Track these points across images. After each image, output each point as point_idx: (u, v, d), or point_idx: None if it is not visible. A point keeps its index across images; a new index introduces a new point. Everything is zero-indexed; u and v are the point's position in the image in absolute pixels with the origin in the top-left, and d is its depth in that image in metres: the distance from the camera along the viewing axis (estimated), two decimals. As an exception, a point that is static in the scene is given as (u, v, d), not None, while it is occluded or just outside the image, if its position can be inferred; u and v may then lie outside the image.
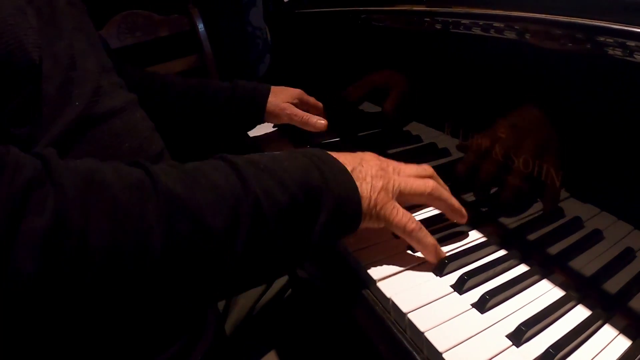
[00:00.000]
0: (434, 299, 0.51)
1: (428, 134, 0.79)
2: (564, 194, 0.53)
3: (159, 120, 0.69)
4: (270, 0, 1.19)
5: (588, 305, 0.50)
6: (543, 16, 0.50)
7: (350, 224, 0.52)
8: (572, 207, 0.52)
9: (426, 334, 0.46)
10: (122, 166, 0.42)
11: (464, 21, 0.61)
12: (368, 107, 0.94)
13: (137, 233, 0.37)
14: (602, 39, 0.44)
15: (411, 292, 0.52)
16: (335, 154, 0.55)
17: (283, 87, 0.94)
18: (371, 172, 0.54)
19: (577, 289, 0.51)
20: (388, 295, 0.51)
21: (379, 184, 0.53)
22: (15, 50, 0.43)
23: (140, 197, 0.39)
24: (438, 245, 0.56)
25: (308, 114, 0.91)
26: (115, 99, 0.57)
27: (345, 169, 0.52)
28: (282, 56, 1.25)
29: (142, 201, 0.39)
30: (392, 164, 0.58)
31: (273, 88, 0.92)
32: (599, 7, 0.46)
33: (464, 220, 0.60)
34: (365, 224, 0.53)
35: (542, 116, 0.55)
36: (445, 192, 0.59)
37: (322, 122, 0.90)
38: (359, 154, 0.58)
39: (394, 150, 0.83)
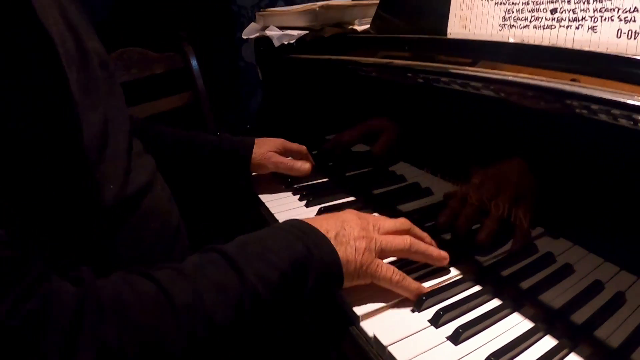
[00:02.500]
0: (413, 332, 0.57)
1: (412, 173, 0.86)
2: (537, 231, 0.59)
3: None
4: (261, 42, 1.27)
5: (555, 336, 0.56)
6: (514, 79, 0.58)
7: (334, 285, 0.59)
8: (545, 243, 0.59)
9: (404, 364, 0.52)
10: (137, 282, 0.49)
11: (443, 78, 0.68)
12: (355, 146, 1.02)
13: (163, 345, 0.45)
14: (568, 101, 0.51)
15: (392, 326, 0.58)
16: (317, 221, 0.62)
17: (265, 138, 1.01)
18: (354, 234, 0.61)
19: (546, 320, 0.57)
20: (370, 330, 0.57)
21: (362, 245, 0.60)
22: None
23: (160, 317, 0.46)
24: (421, 287, 0.62)
25: (292, 160, 0.99)
26: (142, 173, 0.65)
27: (325, 237, 0.59)
28: (273, 96, 1.32)
29: (163, 320, 0.46)
30: (372, 221, 0.65)
31: (257, 140, 0.99)
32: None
33: (445, 263, 0.67)
34: (353, 283, 0.60)
35: (514, 165, 0.62)
36: (422, 245, 0.66)
37: (306, 166, 0.98)
38: (340, 216, 0.64)
39: (380, 191, 0.89)
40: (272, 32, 1.08)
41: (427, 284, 0.65)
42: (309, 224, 0.61)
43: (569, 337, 0.55)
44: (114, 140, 0.61)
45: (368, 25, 1.09)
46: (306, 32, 1.07)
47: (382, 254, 0.62)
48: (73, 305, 0.42)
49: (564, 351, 0.54)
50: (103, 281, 0.47)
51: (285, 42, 1.06)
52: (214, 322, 0.48)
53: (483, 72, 0.62)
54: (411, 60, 0.78)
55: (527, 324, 0.58)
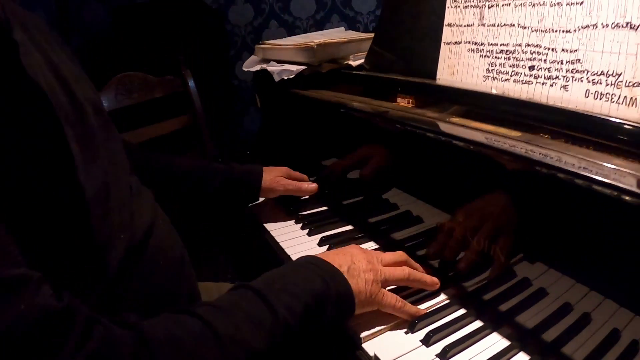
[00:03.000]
0: (407, 351, 0.65)
1: (404, 200, 0.94)
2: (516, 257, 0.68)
3: (163, 198, 0.82)
4: (260, 73, 1.33)
5: (528, 352, 0.65)
6: (491, 143, 0.67)
7: (348, 313, 0.68)
8: (523, 269, 0.68)
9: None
10: (182, 319, 0.56)
11: (429, 134, 0.77)
12: (350, 174, 1.10)
13: None
14: (537, 167, 0.60)
15: (389, 346, 0.66)
16: (329, 256, 0.71)
17: (271, 167, 1.09)
18: (362, 268, 0.70)
19: (521, 339, 0.66)
20: (371, 350, 0.66)
21: (370, 277, 0.69)
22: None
23: (208, 348, 0.54)
24: (419, 310, 0.72)
25: (300, 182, 1.07)
26: (144, 214, 0.70)
27: (339, 271, 0.68)
28: (271, 123, 1.41)
29: (210, 350, 0.53)
30: (375, 255, 0.74)
31: (264, 168, 1.07)
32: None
33: (437, 287, 0.76)
34: (362, 310, 0.69)
35: (493, 203, 0.72)
36: (418, 274, 0.75)
37: (312, 185, 1.07)
38: (348, 252, 0.73)
39: (375, 219, 0.98)
40: (273, 68, 1.17)
41: (423, 306, 0.74)
42: (324, 260, 0.69)
43: (540, 354, 0.64)
44: (116, 189, 0.65)
45: (362, 60, 1.19)
46: (304, 67, 1.16)
47: (385, 283, 0.71)
48: (131, 344, 0.49)
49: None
50: (151, 321, 0.54)
51: (285, 78, 1.15)
52: (252, 349, 0.56)
53: (465, 132, 0.72)
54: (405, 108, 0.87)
55: (504, 342, 0.67)
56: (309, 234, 0.97)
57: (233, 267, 1.15)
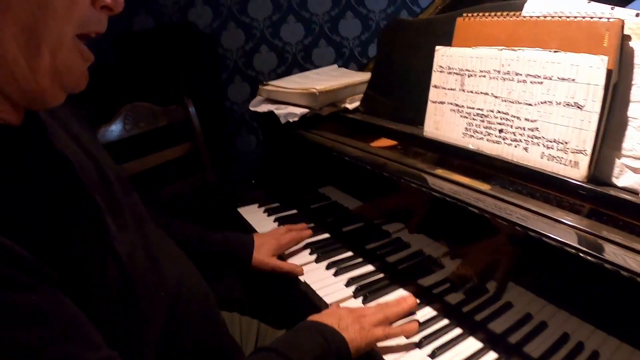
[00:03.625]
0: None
1: (395, 227, 1.12)
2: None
3: None
4: (264, 113, 1.49)
5: (497, 351, 0.84)
6: (469, 200, 0.86)
7: (345, 357, 0.83)
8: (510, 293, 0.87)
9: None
10: None
11: (412, 184, 0.96)
12: (349, 202, 1.29)
13: None
14: (501, 221, 0.79)
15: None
16: (323, 317, 0.87)
17: (265, 238, 1.19)
18: (348, 322, 0.86)
19: (491, 342, 0.85)
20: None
21: (357, 327, 0.85)
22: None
23: None
24: (403, 328, 0.89)
25: (289, 264, 1.16)
26: (171, 265, 0.80)
27: (335, 330, 0.84)
28: (273, 154, 1.59)
29: None
30: (358, 310, 0.91)
31: (256, 240, 1.16)
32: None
33: (415, 308, 0.94)
34: (360, 353, 0.85)
35: (472, 243, 0.91)
36: (394, 312, 0.91)
37: (299, 269, 1.14)
38: (335, 312, 0.90)
39: (371, 246, 1.16)
40: (279, 111, 1.35)
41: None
42: (320, 322, 0.85)
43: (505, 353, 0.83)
44: (147, 249, 0.73)
45: (357, 103, 1.38)
46: (307, 110, 1.34)
47: (371, 328, 0.87)
48: None
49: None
50: None
51: (291, 120, 1.33)
52: None
53: (446, 186, 0.91)
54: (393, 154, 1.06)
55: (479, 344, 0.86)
56: (317, 261, 1.15)
57: (241, 291, 1.30)
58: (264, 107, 1.42)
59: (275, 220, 1.38)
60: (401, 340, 0.88)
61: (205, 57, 2.78)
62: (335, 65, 1.79)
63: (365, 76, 1.46)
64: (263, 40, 2.93)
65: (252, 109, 1.48)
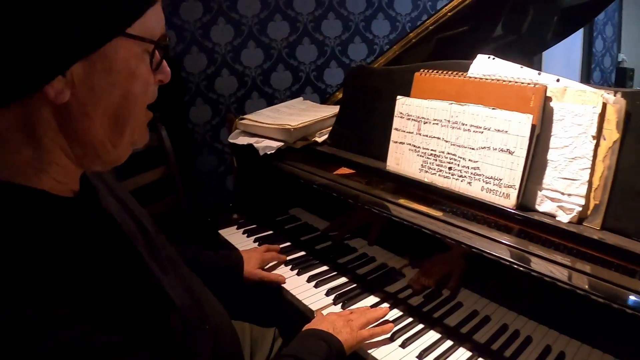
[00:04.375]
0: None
1: (360, 243, 1.36)
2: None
3: None
4: (240, 149, 1.70)
5: (467, 348, 1.08)
6: (423, 224, 1.11)
7: (341, 356, 1.01)
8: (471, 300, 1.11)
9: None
10: None
11: (375, 209, 1.20)
12: (317, 222, 1.52)
13: None
14: (450, 241, 1.04)
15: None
16: (317, 324, 1.07)
17: (250, 254, 1.39)
18: (340, 326, 1.07)
19: (450, 335, 1.09)
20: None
21: (347, 329, 1.07)
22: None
23: None
24: (383, 329, 1.12)
25: (273, 274, 1.38)
26: (201, 294, 0.95)
27: (331, 334, 1.03)
28: (248, 179, 1.80)
29: None
30: (345, 316, 1.12)
31: (244, 255, 1.37)
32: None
33: (385, 315, 1.17)
34: (352, 349, 1.06)
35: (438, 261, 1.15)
36: (374, 317, 1.14)
37: (281, 277, 1.37)
38: (329, 319, 1.09)
39: (343, 260, 1.39)
40: (258, 145, 1.57)
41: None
42: (319, 329, 1.05)
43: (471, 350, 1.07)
44: (186, 286, 0.86)
45: (326, 136, 1.61)
46: (282, 143, 1.57)
47: (358, 329, 1.09)
48: None
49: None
50: None
51: (268, 153, 1.55)
52: None
53: (404, 212, 1.15)
54: (353, 183, 1.30)
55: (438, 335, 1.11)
56: (298, 274, 1.38)
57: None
58: (244, 140, 1.64)
59: (255, 241, 1.60)
60: (378, 337, 1.12)
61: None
62: (301, 98, 2.03)
63: (331, 110, 1.70)
64: (224, 64, 3.13)
65: (231, 141, 1.69)
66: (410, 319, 1.18)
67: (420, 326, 1.15)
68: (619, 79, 5.48)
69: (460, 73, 1.21)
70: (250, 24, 3.12)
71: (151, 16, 0.66)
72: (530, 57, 2.38)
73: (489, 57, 1.22)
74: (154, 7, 0.66)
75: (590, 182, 1.00)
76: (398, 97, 1.30)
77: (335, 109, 1.69)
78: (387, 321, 1.16)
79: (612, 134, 0.99)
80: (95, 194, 0.75)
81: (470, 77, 1.18)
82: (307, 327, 1.09)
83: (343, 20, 3.39)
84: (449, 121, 1.18)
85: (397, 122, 1.30)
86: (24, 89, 0.58)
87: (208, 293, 0.99)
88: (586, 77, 5.30)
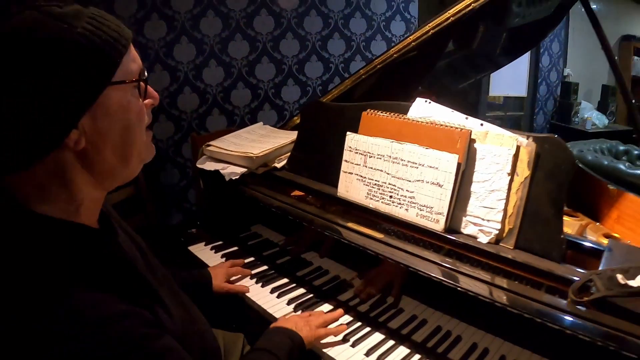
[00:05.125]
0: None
1: (312, 255, 1.58)
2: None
3: None
4: (207, 173, 1.90)
5: (407, 346, 1.31)
6: (367, 246, 1.34)
7: (302, 350, 1.24)
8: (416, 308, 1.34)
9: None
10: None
11: (326, 232, 1.43)
12: (276, 237, 1.73)
13: None
14: (391, 260, 1.27)
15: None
16: (283, 322, 1.28)
17: (217, 270, 1.60)
18: (301, 325, 1.28)
19: (393, 335, 1.32)
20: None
21: (307, 328, 1.28)
22: None
23: None
24: (338, 329, 1.34)
25: (237, 286, 1.59)
26: (199, 322, 1.14)
27: (294, 331, 1.23)
28: (214, 199, 2.00)
29: None
30: (305, 317, 1.33)
31: (211, 272, 1.58)
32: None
33: (341, 316, 1.40)
34: (310, 346, 1.27)
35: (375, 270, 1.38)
36: (329, 318, 1.36)
37: (245, 288, 1.58)
38: (292, 320, 1.30)
39: (300, 273, 1.61)
40: (224, 171, 1.77)
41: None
42: (284, 327, 1.24)
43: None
44: (185, 307, 1.08)
45: (284, 162, 1.82)
46: (245, 169, 1.77)
47: (315, 327, 1.30)
48: None
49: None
50: None
51: (233, 178, 1.76)
52: None
53: (352, 235, 1.38)
54: (309, 207, 1.53)
55: (382, 336, 1.33)
56: (262, 286, 1.58)
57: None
58: (211, 166, 1.84)
59: (222, 257, 1.79)
60: (332, 338, 1.33)
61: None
62: (261, 123, 2.23)
63: (288, 137, 1.92)
64: (186, 82, 3.32)
65: (199, 166, 1.88)
66: (359, 323, 1.39)
67: (368, 329, 1.37)
68: (564, 92, 5.87)
69: (400, 115, 1.44)
70: (212, 42, 3.31)
71: (127, 61, 0.84)
72: (481, 73, 2.65)
73: (425, 101, 1.46)
74: (127, 53, 0.84)
75: (505, 210, 1.24)
76: (348, 132, 1.52)
77: (293, 135, 1.92)
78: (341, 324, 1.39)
79: (524, 171, 1.24)
80: (112, 227, 0.96)
81: (408, 119, 1.42)
82: (273, 325, 1.30)
83: (300, 39, 3.61)
84: (390, 157, 1.41)
85: (346, 155, 1.52)
86: (51, 145, 0.78)
87: (192, 304, 1.16)
88: (532, 91, 5.67)
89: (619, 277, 1.05)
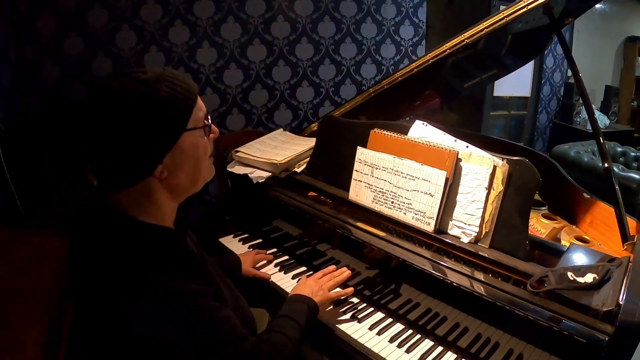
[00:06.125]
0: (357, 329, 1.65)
1: (328, 250, 1.93)
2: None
3: None
4: (235, 175, 2.26)
5: (402, 324, 1.66)
6: (373, 243, 1.70)
7: (317, 313, 1.58)
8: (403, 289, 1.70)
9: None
10: (274, 340, 1.35)
11: (338, 230, 1.78)
12: (295, 231, 2.09)
13: (290, 346, 1.37)
14: (390, 254, 1.63)
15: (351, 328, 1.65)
16: (299, 288, 1.62)
17: (245, 256, 1.94)
18: (315, 289, 1.63)
19: (391, 315, 1.67)
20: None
21: (321, 292, 1.64)
22: None
23: (284, 345, 1.34)
24: (346, 291, 1.70)
25: (262, 272, 1.91)
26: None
27: (310, 297, 1.58)
28: (240, 196, 2.35)
29: (286, 347, 1.35)
30: (319, 281, 1.68)
31: (242, 258, 1.90)
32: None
33: (349, 274, 1.75)
34: (324, 306, 1.63)
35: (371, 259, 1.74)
36: (338, 279, 1.71)
37: (268, 275, 1.91)
38: (308, 284, 1.64)
39: (317, 262, 1.96)
40: (252, 175, 2.12)
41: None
42: (301, 295, 1.59)
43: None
44: (232, 295, 1.41)
45: (304, 167, 2.17)
46: (270, 174, 2.13)
47: (327, 290, 1.65)
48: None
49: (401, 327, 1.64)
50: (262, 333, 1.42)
51: (260, 181, 2.11)
52: (297, 339, 1.39)
53: (359, 233, 1.73)
54: (324, 207, 1.88)
55: (382, 315, 1.68)
56: (285, 273, 1.95)
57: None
58: (240, 170, 2.19)
59: (249, 248, 2.14)
60: (343, 316, 1.67)
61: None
62: (281, 130, 2.58)
63: (307, 143, 2.27)
64: (208, 84, 3.64)
65: (229, 169, 2.23)
66: (364, 304, 1.75)
67: (372, 309, 1.72)
68: (567, 93, 6.17)
69: (402, 135, 1.79)
70: (232, 47, 3.65)
71: (196, 111, 1.15)
72: (487, 72, 2.80)
73: (423, 124, 1.80)
74: (195, 105, 1.15)
75: (483, 217, 1.59)
76: (358, 147, 1.87)
77: (310, 142, 2.26)
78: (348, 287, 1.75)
79: (498, 186, 1.58)
80: (182, 228, 1.30)
81: (408, 139, 1.76)
82: (292, 291, 1.63)
83: (314, 44, 3.94)
84: (392, 169, 1.76)
85: (357, 166, 1.87)
86: (145, 174, 1.13)
87: (232, 284, 1.46)
88: (536, 91, 5.97)
89: (570, 274, 1.37)
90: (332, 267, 1.77)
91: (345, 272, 1.74)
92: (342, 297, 1.70)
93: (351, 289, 1.75)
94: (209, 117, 1.22)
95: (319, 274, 1.73)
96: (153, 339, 1.08)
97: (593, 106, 6.19)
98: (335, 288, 1.69)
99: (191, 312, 1.10)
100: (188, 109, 1.13)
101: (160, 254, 1.13)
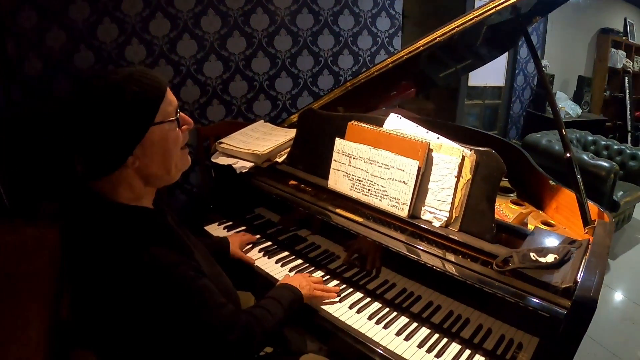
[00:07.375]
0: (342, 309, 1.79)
1: (309, 235, 2.07)
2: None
3: None
4: (219, 165, 2.39)
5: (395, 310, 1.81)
6: (352, 228, 1.84)
7: (300, 304, 1.68)
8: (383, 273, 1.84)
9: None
10: (255, 312, 1.46)
11: (318, 216, 1.92)
12: (276, 218, 2.22)
13: (270, 325, 1.46)
14: (368, 238, 1.77)
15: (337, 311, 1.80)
16: (288, 280, 1.76)
17: (233, 238, 2.06)
18: (304, 284, 1.74)
19: (376, 298, 1.82)
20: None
21: (308, 287, 1.75)
22: None
23: (271, 313, 1.47)
24: (334, 290, 1.84)
25: (248, 256, 2.07)
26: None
27: (297, 288, 1.68)
28: (223, 186, 2.47)
29: (271, 314, 1.48)
30: (308, 279, 1.80)
31: (230, 239, 2.03)
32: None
33: (336, 291, 1.88)
34: (307, 301, 1.72)
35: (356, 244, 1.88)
36: (326, 288, 1.83)
37: (252, 259, 2.03)
38: (297, 278, 1.75)
39: (298, 247, 2.10)
40: (236, 165, 2.24)
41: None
42: (289, 284, 1.71)
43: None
44: (211, 266, 1.50)
45: (285, 157, 2.30)
46: (252, 164, 2.25)
47: (314, 288, 1.77)
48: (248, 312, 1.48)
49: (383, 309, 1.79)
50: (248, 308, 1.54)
51: (243, 171, 2.23)
52: (279, 317, 1.49)
53: (339, 218, 1.88)
54: (305, 195, 2.02)
55: (368, 299, 1.83)
56: (268, 258, 2.08)
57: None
58: (224, 161, 2.31)
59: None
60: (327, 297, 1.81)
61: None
62: (262, 121, 2.71)
63: (287, 134, 2.40)
64: (189, 75, 3.73)
65: (213, 160, 2.36)
66: (344, 285, 1.89)
67: (351, 289, 1.87)
68: (540, 82, 6.34)
69: (377, 127, 1.93)
70: (212, 39, 3.75)
71: (164, 106, 1.24)
72: (462, 63, 2.88)
73: (397, 116, 1.94)
74: (163, 101, 1.23)
75: (453, 203, 1.74)
76: (337, 138, 2.00)
77: (290, 133, 2.39)
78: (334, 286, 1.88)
79: (467, 174, 1.72)
80: (162, 209, 1.39)
81: (384, 131, 1.90)
82: (282, 281, 1.78)
83: (293, 35, 4.06)
84: (369, 159, 1.90)
85: (335, 156, 2.01)
86: (118, 163, 1.21)
87: (216, 263, 1.55)
88: (510, 81, 6.15)
89: (532, 254, 1.53)
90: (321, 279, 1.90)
91: (333, 291, 1.85)
92: (325, 299, 1.81)
93: (337, 290, 1.88)
94: (178, 111, 1.32)
95: (306, 274, 1.89)
96: (133, 307, 1.18)
97: (565, 95, 6.39)
98: (320, 288, 1.80)
99: (169, 280, 1.20)
100: (155, 104, 1.23)
101: (139, 229, 1.24)
